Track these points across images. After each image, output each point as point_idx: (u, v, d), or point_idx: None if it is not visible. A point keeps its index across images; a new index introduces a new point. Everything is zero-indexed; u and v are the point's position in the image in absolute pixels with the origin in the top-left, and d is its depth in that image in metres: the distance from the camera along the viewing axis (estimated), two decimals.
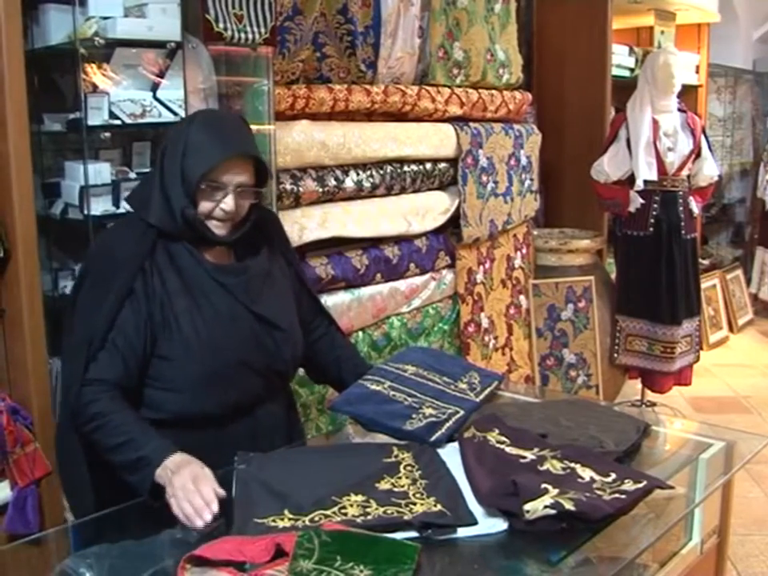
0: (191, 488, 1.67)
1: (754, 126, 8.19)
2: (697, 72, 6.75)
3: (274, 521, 1.63)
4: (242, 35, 2.63)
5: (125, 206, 2.70)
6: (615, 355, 4.86)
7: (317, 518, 1.63)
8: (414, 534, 1.60)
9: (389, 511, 1.66)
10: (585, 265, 4.88)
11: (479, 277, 4.03)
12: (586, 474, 1.80)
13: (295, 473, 1.84)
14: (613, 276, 5.10)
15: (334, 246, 3.20)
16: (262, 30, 2.70)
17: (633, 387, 5.20)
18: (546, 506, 1.60)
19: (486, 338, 4.11)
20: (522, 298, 4.52)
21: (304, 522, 1.62)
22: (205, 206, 1.91)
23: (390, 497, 1.72)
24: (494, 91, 4.06)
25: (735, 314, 7.18)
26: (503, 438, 2.01)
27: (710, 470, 2.08)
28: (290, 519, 1.63)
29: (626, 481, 1.76)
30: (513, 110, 4.25)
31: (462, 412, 2.10)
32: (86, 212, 2.62)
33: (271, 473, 1.81)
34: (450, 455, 1.94)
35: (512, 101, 4.21)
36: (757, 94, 8.18)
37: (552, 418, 2.24)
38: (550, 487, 1.68)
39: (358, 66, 3.22)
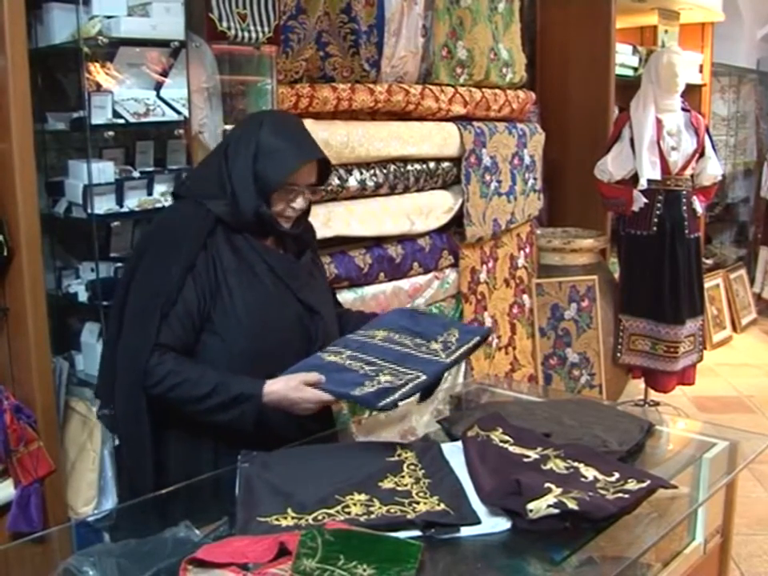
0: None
1: (758, 125, 8.17)
2: (700, 71, 6.74)
3: (277, 519, 1.64)
4: (246, 34, 2.64)
5: (128, 206, 2.70)
6: (618, 355, 4.86)
7: (320, 517, 1.63)
8: (417, 533, 1.60)
9: (392, 510, 1.66)
10: (588, 264, 4.88)
11: (482, 276, 4.02)
12: (590, 473, 1.80)
13: (299, 472, 1.85)
14: (616, 275, 5.10)
15: (338, 245, 3.20)
16: (266, 29, 2.70)
17: (636, 387, 5.20)
18: (549, 506, 1.60)
19: (490, 338, 4.10)
20: (525, 297, 4.51)
21: (307, 520, 1.63)
22: (279, 205, 2.05)
23: (394, 496, 1.72)
24: (497, 90, 4.06)
25: (738, 314, 7.17)
26: (506, 438, 2.01)
27: (714, 470, 2.08)
28: (293, 518, 1.64)
29: (630, 480, 1.76)
30: (516, 109, 4.25)
31: (423, 377, 2.03)
32: (89, 211, 2.62)
33: (275, 471, 1.82)
34: (454, 454, 1.95)
35: (515, 100, 4.21)
36: (760, 93, 8.17)
37: (556, 417, 2.24)
38: (553, 486, 1.68)
39: (362, 65, 3.21)
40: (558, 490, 1.66)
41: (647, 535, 1.74)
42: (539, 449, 1.94)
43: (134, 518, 1.84)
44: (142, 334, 1.96)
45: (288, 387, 1.92)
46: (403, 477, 1.82)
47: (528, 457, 1.91)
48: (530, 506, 1.61)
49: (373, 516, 1.64)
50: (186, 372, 1.94)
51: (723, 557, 2.27)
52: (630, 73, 5.75)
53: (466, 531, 1.64)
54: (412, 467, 1.87)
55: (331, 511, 1.66)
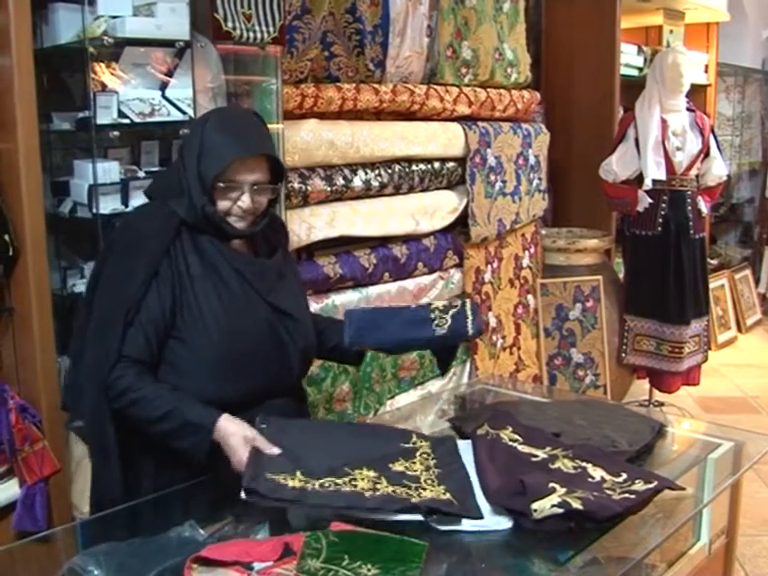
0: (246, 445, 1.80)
1: (763, 125, 8.16)
2: (706, 71, 6.73)
3: (284, 479, 1.66)
4: (251, 34, 2.64)
5: (133, 205, 2.70)
6: (623, 355, 4.85)
7: (327, 484, 1.67)
8: (418, 517, 1.62)
9: (398, 491, 1.68)
10: (593, 264, 4.87)
11: (487, 276, 4.02)
12: (597, 473, 1.80)
13: (313, 440, 1.87)
14: (621, 275, 5.09)
15: (342, 245, 3.20)
16: (271, 29, 2.70)
17: (641, 387, 5.19)
18: (553, 505, 1.60)
19: (494, 338, 4.11)
20: (529, 297, 4.51)
21: (314, 485, 1.66)
22: (222, 204, 1.97)
23: (402, 478, 1.74)
24: (502, 90, 4.06)
25: (744, 314, 7.16)
26: (516, 436, 2.01)
27: (719, 471, 2.08)
28: (300, 480, 1.67)
29: (637, 481, 1.76)
30: (521, 109, 4.25)
31: (467, 301, 2.12)
32: (94, 211, 2.62)
33: (290, 436, 1.84)
34: (467, 452, 1.97)
35: (520, 100, 4.21)
36: (766, 93, 8.15)
37: (566, 417, 2.24)
38: (557, 486, 1.68)
39: (367, 65, 3.22)
40: (563, 490, 1.66)
41: (652, 536, 1.74)
42: (548, 448, 1.94)
43: (139, 518, 1.84)
44: (105, 344, 1.90)
45: (239, 435, 1.82)
46: (414, 463, 1.83)
47: (536, 456, 1.91)
48: (535, 505, 1.61)
49: (378, 493, 1.66)
50: (145, 390, 1.88)
51: (728, 557, 2.27)
52: (635, 73, 5.75)
53: (467, 525, 1.67)
54: (424, 455, 1.89)
55: (339, 481, 1.68)
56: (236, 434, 1.81)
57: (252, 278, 2.02)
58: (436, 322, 2.05)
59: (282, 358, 2.05)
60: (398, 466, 1.80)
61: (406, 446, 1.92)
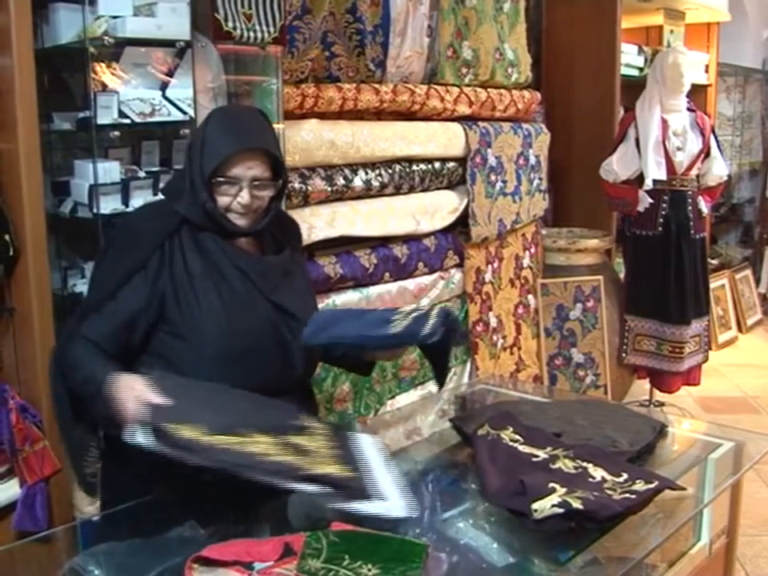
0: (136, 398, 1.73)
1: (764, 125, 8.16)
2: (706, 71, 6.73)
3: (176, 429, 1.61)
4: (251, 34, 2.64)
5: (134, 205, 2.71)
6: (624, 355, 4.85)
7: (215, 443, 1.60)
8: (311, 488, 1.58)
9: (296, 462, 1.62)
10: (593, 264, 4.87)
11: (488, 276, 4.02)
12: (598, 473, 1.80)
13: (209, 400, 1.78)
14: (621, 275, 5.09)
15: (343, 245, 3.20)
16: (271, 29, 2.70)
17: (641, 387, 5.18)
18: (553, 505, 1.60)
19: (495, 338, 4.11)
20: (530, 297, 4.51)
21: (209, 440, 1.60)
22: (222, 200, 1.95)
23: (298, 451, 1.67)
24: (502, 90, 4.06)
25: (744, 314, 7.15)
26: (517, 437, 2.01)
27: (719, 471, 2.08)
28: (193, 433, 1.61)
29: (638, 481, 1.76)
30: (521, 109, 4.25)
31: (437, 306, 1.98)
32: (95, 210, 2.63)
33: (184, 392, 1.77)
34: (366, 443, 1.87)
35: (521, 100, 4.21)
36: (766, 93, 8.15)
37: (567, 417, 2.24)
38: (557, 486, 1.68)
39: (367, 65, 3.22)
40: (563, 490, 1.66)
41: (652, 536, 1.74)
42: (549, 448, 1.95)
43: (140, 518, 1.84)
44: (71, 325, 1.93)
45: (128, 386, 1.77)
46: (314, 440, 1.75)
47: (537, 456, 1.91)
48: (535, 505, 1.61)
49: (271, 459, 1.59)
50: (82, 360, 1.87)
51: (729, 557, 2.27)
52: (636, 73, 5.74)
53: (365, 506, 1.60)
54: (325, 435, 1.81)
55: (234, 440, 1.61)
56: (125, 387, 1.76)
57: (255, 277, 2.01)
58: (396, 322, 1.96)
59: (284, 356, 2.03)
60: (297, 439, 1.71)
61: (307, 423, 1.84)
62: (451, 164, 3.72)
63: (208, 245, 1.99)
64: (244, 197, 1.95)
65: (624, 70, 5.47)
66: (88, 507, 2.69)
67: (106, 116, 2.59)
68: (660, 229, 4.64)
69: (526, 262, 4.43)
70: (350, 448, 1.80)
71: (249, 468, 1.56)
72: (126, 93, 2.67)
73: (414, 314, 1.97)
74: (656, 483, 1.75)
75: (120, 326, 1.91)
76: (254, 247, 2.09)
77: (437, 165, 3.63)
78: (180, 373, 1.91)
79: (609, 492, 1.70)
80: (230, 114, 2.11)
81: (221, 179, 1.93)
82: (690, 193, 4.66)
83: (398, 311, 2.02)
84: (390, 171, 3.35)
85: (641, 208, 4.64)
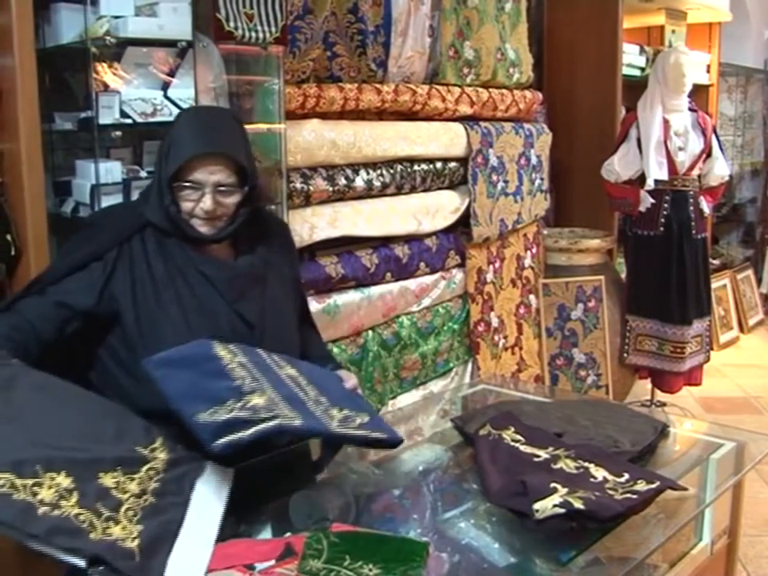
0: None
1: (765, 125, 8.14)
2: (708, 71, 6.73)
3: None
4: (253, 34, 2.64)
5: None
6: (625, 355, 4.85)
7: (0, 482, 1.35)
8: (77, 561, 1.34)
9: (81, 517, 1.37)
10: (595, 264, 4.87)
11: (489, 276, 4.02)
12: (599, 473, 1.80)
13: (37, 408, 1.53)
14: (623, 276, 5.09)
15: (344, 245, 3.20)
16: (273, 29, 2.70)
17: (643, 387, 5.19)
18: (555, 505, 1.60)
19: (496, 338, 4.11)
20: (531, 297, 4.51)
21: None
22: (185, 205, 1.89)
23: (99, 499, 1.42)
24: (504, 90, 4.06)
25: (746, 314, 7.15)
26: (518, 437, 2.01)
27: (721, 471, 2.08)
28: None
29: (639, 481, 1.76)
30: (523, 109, 4.25)
31: (297, 422, 1.64)
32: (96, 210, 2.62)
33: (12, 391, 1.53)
34: (210, 484, 1.63)
35: (522, 100, 4.21)
36: None
37: (569, 417, 2.24)
38: (559, 486, 1.68)
39: (369, 65, 3.22)
40: (564, 490, 1.66)
41: (654, 536, 1.74)
42: (550, 448, 1.94)
43: None
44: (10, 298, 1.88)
45: None
46: (132, 480, 1.50)
47: (538, 456, 1.91)
48: (536, 506, 1.61)
49: (53, 513, 1.35)
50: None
51: (730, 558, 2.27)
52: (637, 73, 5.74)
53: None
54: (151, 473, 1.55)
55: (18, 482, 1.35)
56: None
57: (220, 284, 1.93)
58: (219, 407, 1.62)
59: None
60: (109, 480, 1.46)
61: (141, 451, 1.56)
62: (453, 164, 3.72)
63: (173, 249, 1.92)
64: (206, 202, 1.87)
65: (625, 70, 5.47)
66: None
67: (107, 116, 2.59)
68: (661, 229, 4.64)
69: (527, 262, 4.43)
70: (170, 497, 1.54)
71: (16, 530, 1.32)
72: (127, 93, 2.67)
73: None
74: (657, 483, 1.75)
75: (46, 311, 1.82)
76: (225, 253, 2.01)
77: (438, 165, 3.63)
78: (146, 387, 1.74)
79: (610, 492, 1.70)
80: (198, 115, 2.04)
81: (183, 183, 1.86)
82: (691, 193, 4.66)
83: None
84: (391, 171, 3.35)
85: (642, 208, 4.64)
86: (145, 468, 1.53)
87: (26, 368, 1.64)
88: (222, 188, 1.88)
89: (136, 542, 1.39)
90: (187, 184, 1.87)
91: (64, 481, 1.40)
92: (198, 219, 1.90)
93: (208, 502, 1.58)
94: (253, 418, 1.59)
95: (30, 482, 1.36)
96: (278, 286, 2.07)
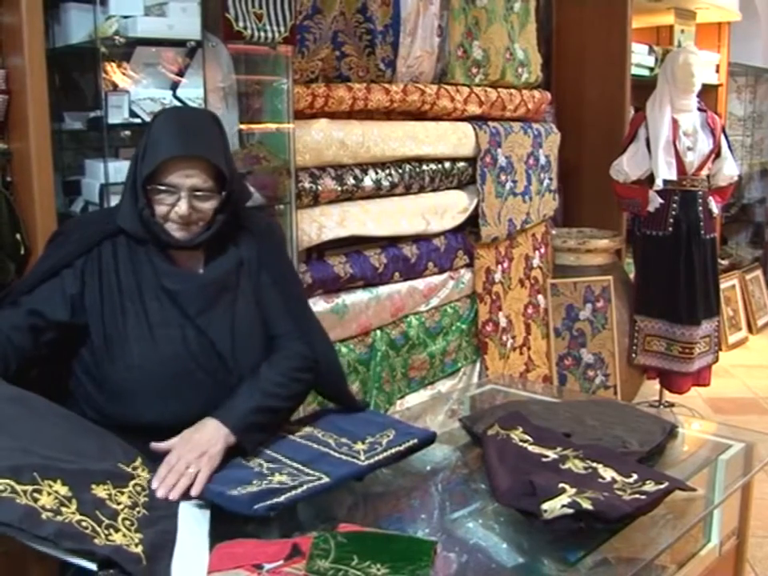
0: None
1: None
2: (717, 71, 6.71)
3: None
4: (262, 34, 2.64)
5: None
6: (633, 355, 4.84)
7: (1, 487, 1.35)
8: (91, 566, 1.35)
9: (83, 524, 1.38)
10: (603, 264, 4.86)
11: (497, 276, 4.02)
12: (608, 474, 1.80)
13: (20, 421, 1.53)
14: (631, 276, 5.08)
15: (353, 244, 3.20)
16: (282, 29, 2.70)
17: (651, 388, 5.17)
18: (563, 505, 1.60)
19: (504, 338, 4.10)
20: (540, 297, 4.51)
21: None
22: (159, 209, 1.83)
23: (98, 507, 1.44)
24: (512, 90, 4.06)
25: (755, 315, 7.13)
26: (526, 437, 2.01)
27: (729, 472, 2.08)
28: None
29: (648, 482, 1.76)
30: (532, 109, 4.24)
31: (324, 480, 1.71)
32: None
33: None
34: (190, 512, 1.63)
35: (531, 100, 4.21)
36: None
37: (578, 417, 2.24)
38: (567, 486, 1.68)
39: (377, 65, 3.22)
40: (572, 490, 1.66)
41: (662, 537, 1.74)
42: (558, 449, 1.94)
43: None
44: None
45: None
46: (123, 492, 1.52)
47: (547, 456, 1.91)
48: (545, 506, 1.61)
49: (58, 518, 1.35)
50: None
51: (739, 559, 2.27)
52: (646, 73, 5.73)
53: None
54: (138, 488, 1.57)
55: (18, 487, 1.35)
56: None
57: (180, 297, 1.86)
58: (247, 485, 1.68)
59: (221, 380, 1.88)
60: (101, 491, 1.47)
61: (125, 468, 1.59)
62: (461, 164, 3.72)
63: (141, 258, 1.87)
64: (182, 207, 1.80)
65: (634, 70, 5.45)
66: None
67: (116, 115, 2.60)
68: (670, 229, 4.63)
69: (535, 262, 4.43)
70: (161, 510, 1.56)
71: (25, 532, 1.31)
72: (136, 92, 2.68)
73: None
74: (666, 484, 1.75)
75: (28, 321, 1.79)
76: (195, 260, 1.94)
77: (447, 165, 3.63)
78: (117, 399, 1.79)
79: (619, 492, 1.70)
80: (175, 116, 1.95)
81: (158, 186, 1.81)
82: (700, 193, 4.64)
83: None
84: (400, 171, 3.36)
85: (651, 208, 4.63)
86: (132, 483, 1.56)
87: (0, 380, 1.63)
88: (199, 192, 1.82)
89: (140, 547, 1.41)
90: (162, 187, 1.81)
91: (61, 489, 1.41)
92: (172, 224, 1.84)
93: (194, 514, 1.62)
94: (281, 488, 1.67)
95: (29, 487, 1.36)
96: (250, 293, 1.99)
